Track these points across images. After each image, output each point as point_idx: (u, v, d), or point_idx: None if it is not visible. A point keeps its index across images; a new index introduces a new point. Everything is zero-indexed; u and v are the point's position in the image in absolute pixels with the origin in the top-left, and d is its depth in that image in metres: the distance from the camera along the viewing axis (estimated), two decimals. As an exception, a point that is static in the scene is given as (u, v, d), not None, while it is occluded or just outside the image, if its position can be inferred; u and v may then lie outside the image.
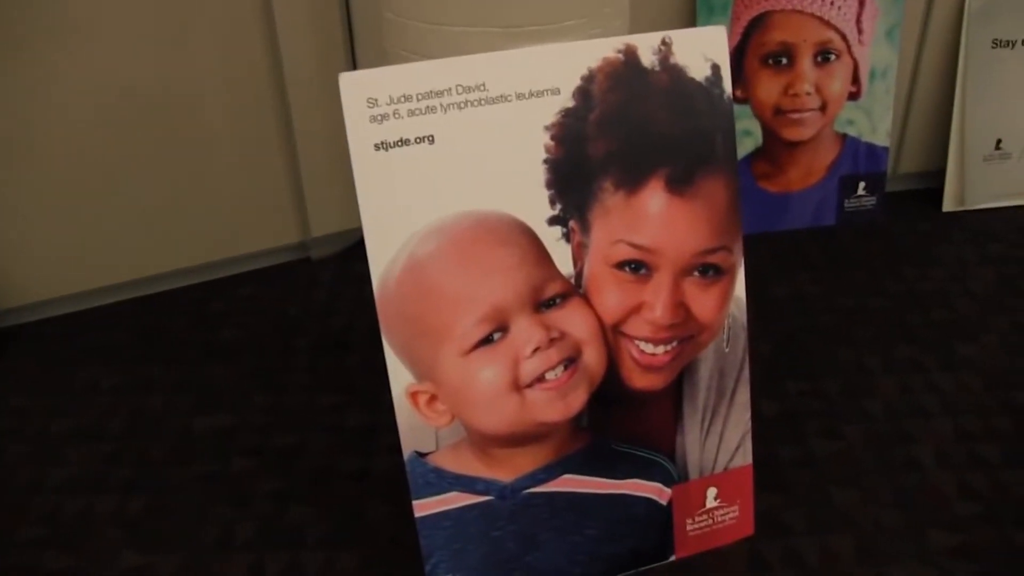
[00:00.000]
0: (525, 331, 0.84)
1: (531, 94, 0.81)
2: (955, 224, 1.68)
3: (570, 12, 0.81)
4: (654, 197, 0.85)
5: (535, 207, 0.83)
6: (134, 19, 1.33)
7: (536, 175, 0.83)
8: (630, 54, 0.83)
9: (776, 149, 1.60)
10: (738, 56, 1.54)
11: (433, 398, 0.86)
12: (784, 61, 1.54)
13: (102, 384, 1.32)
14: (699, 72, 0.85)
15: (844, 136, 1.62)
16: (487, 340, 0.84)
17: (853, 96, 1.60)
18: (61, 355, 1.39)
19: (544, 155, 0.82)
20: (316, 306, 1.49)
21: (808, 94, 1.56)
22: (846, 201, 1.66)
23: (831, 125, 1.60)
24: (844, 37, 1.55)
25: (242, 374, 1.33)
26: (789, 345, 1.35)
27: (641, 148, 0.84)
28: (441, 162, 0.80)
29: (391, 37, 0.88)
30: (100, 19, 1.31)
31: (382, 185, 0.80)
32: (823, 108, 1.58)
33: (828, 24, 1.53)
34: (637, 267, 0.86)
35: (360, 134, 0.78)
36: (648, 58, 0.84)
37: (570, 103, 0.82)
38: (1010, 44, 1.62)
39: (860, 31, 1.56)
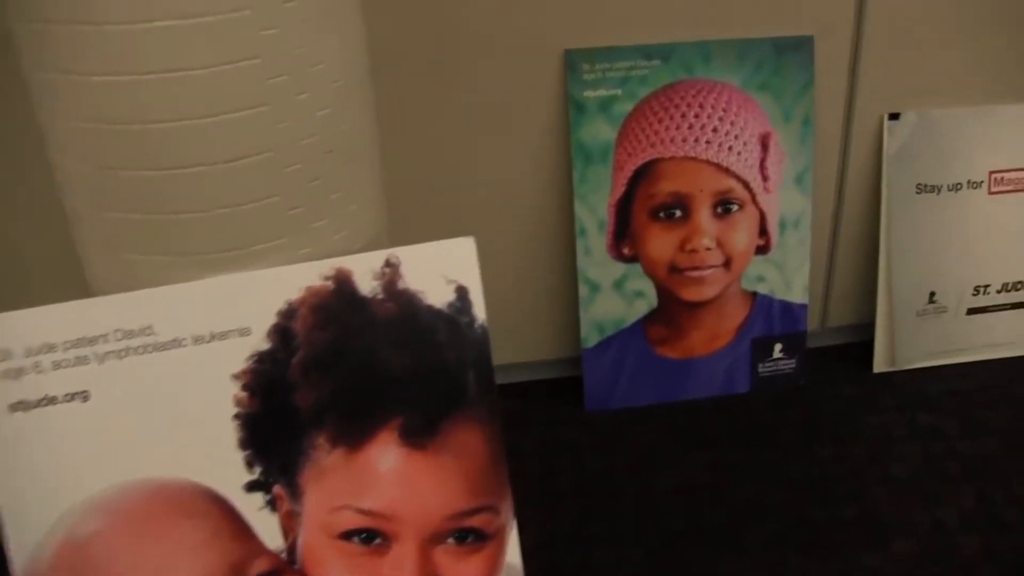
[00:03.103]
0: (225, 620, 0.68)
1: (212, 336, 0.66)
2: (885, 388, 1.49)
3: (263, 233, 0.65)
4: (385, 453, 0.69)
5: (227, 471, 0.67)
6: None
7: (226, 434, 0.67)
8: (342, 281, 0.68)
9: (674, 311, 1.43)
10: (623, 209, 1.39)
11: None
12: (678, 213, 1.39)
13: None
14: (439, 297, 0.70)
15: (754, 294, 1.45)
16: (176, 633, 0.67)
17: (762, 249, 1.44)
18: None
19: (235, 409, 0.67)
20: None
21: (708, 249, 1.40)
22: (760, 365, 1.48)
23: (738, 282, 1.44)
24: (747, 185, 1.40)
25: None
26: (664, 554, 1.16)
27: (364, 395, 0.68)
28: (99, 423, 0.65)
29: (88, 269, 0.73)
30: None
31: (22, 454, 0.64)
32: (727, 264, 1.42)
33: (727, 171, 1.38)
34: (370, 537, 0.70)
35: (-10, 393, 0.63)
36: (367, 284, 0.69)
37: (265, 345, 0.67)
38: (935, 189, 1.46)
39: (765, 178, 1.40)
